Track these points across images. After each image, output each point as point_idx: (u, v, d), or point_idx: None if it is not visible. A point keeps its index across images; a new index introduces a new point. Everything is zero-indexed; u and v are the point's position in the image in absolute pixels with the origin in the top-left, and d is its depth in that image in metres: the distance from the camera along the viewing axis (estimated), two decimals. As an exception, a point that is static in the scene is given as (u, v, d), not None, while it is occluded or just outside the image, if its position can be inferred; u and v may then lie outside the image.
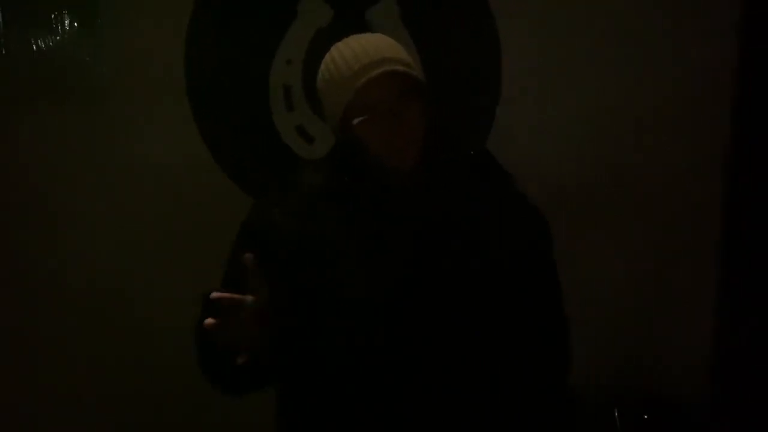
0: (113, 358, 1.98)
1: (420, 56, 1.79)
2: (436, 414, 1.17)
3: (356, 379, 1.17)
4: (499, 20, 2.00)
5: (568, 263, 1.31)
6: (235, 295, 1.03)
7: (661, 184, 2.08)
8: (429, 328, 1.17)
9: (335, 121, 1.22)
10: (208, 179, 1.97)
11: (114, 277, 1.97)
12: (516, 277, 1.21)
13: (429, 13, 1.97)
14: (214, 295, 1.01)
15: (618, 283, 2.08)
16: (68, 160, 1.94)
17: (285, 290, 1.14)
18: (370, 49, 1.19)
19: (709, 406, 2.08)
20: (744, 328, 2.03)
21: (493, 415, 1.20)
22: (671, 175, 2.08)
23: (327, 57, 1.24)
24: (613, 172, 2.05)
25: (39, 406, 1.98)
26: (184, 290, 1.92)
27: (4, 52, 1.89)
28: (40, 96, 1.90)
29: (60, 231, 1.95)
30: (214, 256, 1.33)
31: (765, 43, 2.01)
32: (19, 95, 1.91)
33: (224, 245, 1.29)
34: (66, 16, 1.90)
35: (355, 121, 1.16)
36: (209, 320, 1.00)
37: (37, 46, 1.90)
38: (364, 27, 1.92)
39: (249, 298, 1.04)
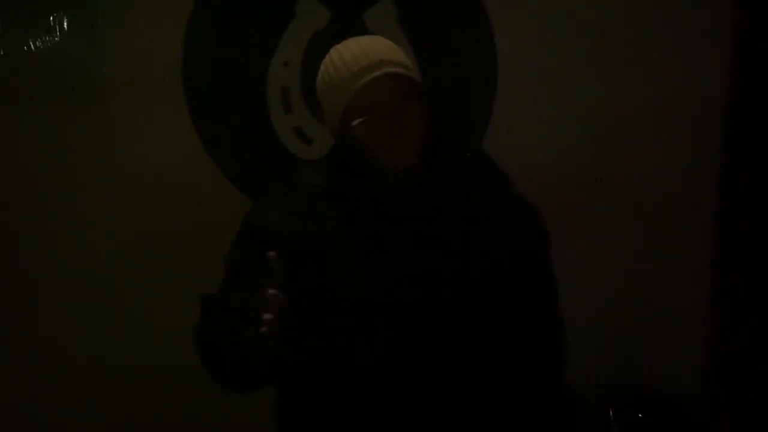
0: (113, 358, 1.99)
1: (416, 57, 1.80)
2: (435, 413, 1.18)
3: (356, 379, 1.18)
4: (494, 22, 2.01)
5: (563, 263, 1.32)
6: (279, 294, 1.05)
7: (656, 184, 2.09)
8: (428, 328, 1.18)
9: (335, 122, 1.23)
10: (206, 180, 1.98)
11: (113, 276, 1.97)
12: (513, 276, 1.22)
13: (425, 15, 1.98)
14: (271, 292, 1.03)
15: (613, 283, 2.09)
16: (67, 160, 1.95)
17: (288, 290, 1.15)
18: (369, 51, 1.20)
19: (704, 405, 2.09)
20: (738, 328, 2.04)
21: (491, 415, 1.21)
22: (666, 176, 2.09)
23: (326, 59, 1.25)
24: (607, 173, 2.06)
25: (39, 406, 1.99)
26: (182, 290, 1.94)
27: (2, 52, 1.89)
28: (39, 96, 1.91)
29: (59, 231, 1.95)
30: (212, 256, 1.34)
31: (759, 44, 2.02)
32: (19, 95, 1.91)
33: (222, 245, 1.30)
34: (65, 16, 1.90)
35: (355, 122, 1.18)
36: (269, 315, 1.02)
37: (36, 46, 1.90)
38: (361, 29, 1.93)
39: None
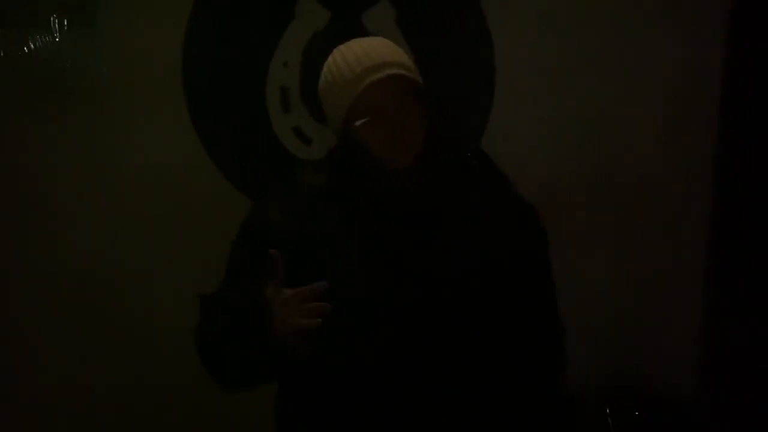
0: (112, 357, 1.99)
1: (414, 58, 1.80)
2: (435, 413, 1.19)
3: (356, 379, 1.19)
4: (491, 22, 2.01)
5: (559, 263, 1.33)
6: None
7: (655, 184, 2.10)
8: (428, 328, 1.18)
9: (337, 122, 1.24)
10: (205, 180, 1.98)
11: (113, 276, 1.97)
12: (513, 277, 1.22)
13: (423, 16, 1.99)
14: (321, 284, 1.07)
15: (611, 282, 2.10)
16: (66, 160, 1.94)
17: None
18: (372, 52, 1.21)
19: (701, 403, 2.10)
20: (732, 327, 2.05)
21: (490, 415, 1.22)
22: (664, 176, 2.10)
23: (329, 59, 1.25)
24: (606, 173, 2.07)
25: (39, 406, 1.99)
26: (182, 290, 1.95)
27: (2, 53, 1.90)
28: (38, 96, 1.90)
29: (59, 230, 1.95)
30: (212, 256, 1.34)
31: (754, 43, 2.04)
32: (18, 95, 1.91)
33: (222, 245, 1.30)
34: (65, 16, 1.90)
35: (358, 123, 1.18)
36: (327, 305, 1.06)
37: (36, 46, 1.90)
38: (360, 29, 1.94)
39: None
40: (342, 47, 1.25)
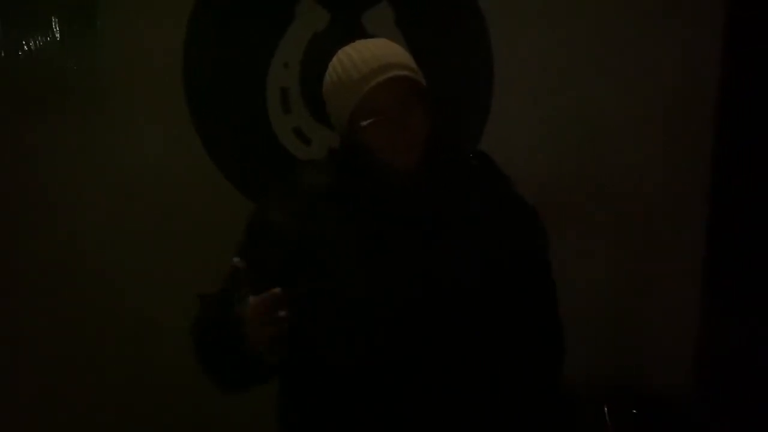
0: (113, 357, 1.99)
1: (414, 58, 1.81)
2: (437, 413, 1.20)
3: (358, 379, 1.19)
4: (490, 23, 2.02)
5: (557, 262, 1.34)
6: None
7: (650, 184, 2.12)
8: (429, 328, 1.19)
9: (341, 123, 1.25)
10: (205, 180, 1.98)
11: (112, 276, 1.97)
12: (515, 276, 1.24)
13: (422, 17, 2.00)
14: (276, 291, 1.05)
15: (609, 281, 2.11)
16: (66, 160, 1.94)
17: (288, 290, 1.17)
18: (377, 53, 1.22)
19: (698, 401, 2.11)
20: (729, 324, 2.06)
21: (491, 414, 1.23)
22: (660, 175, 2.11)
23: (334, 60, 1.26)
24: (602, 173, 2.08)
25: (39, 406, 1.99)
26: (182, 290, 1.95)
27: (3, 53, 1.90)
28: (39, 96, 1.91)
29: (59, 230, 1.95)
30: (212, 256, 1.35)
31: (750, 43, 2.05)
32: (19, 96, 1.91)
33: (222, 245, 1.31)
34: (65, 17, 1.90)
35: (363, 123, 1.19)
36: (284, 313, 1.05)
37: (37, 46, 1.90)
38: (360, 30, 1.95)
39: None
40: (347, 48, 1.26)
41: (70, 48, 1.91)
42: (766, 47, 2.02)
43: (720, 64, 2.06)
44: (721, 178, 2.12)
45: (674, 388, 2.11)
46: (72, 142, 1.94)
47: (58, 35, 1.91)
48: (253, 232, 1.28)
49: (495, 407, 1.23)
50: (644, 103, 2.07)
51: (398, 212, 1.22)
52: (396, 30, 1.98)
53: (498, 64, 2.04)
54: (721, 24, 2.06)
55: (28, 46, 1.90)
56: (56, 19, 1.90)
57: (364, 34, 1.91)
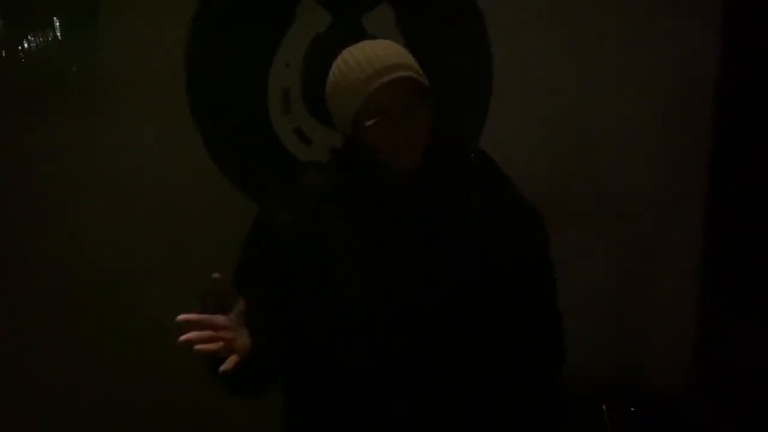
0: (113, 358, 1.99)
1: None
2: (438, 412, 1.20)
3: (359, 379, 1.20)
4: (489, 24, 2.03)
5: (559, 262, 1.35)
6: (203, 316, 1.06)
7: (650, 184, 2.13)
8: (432, 328, 1.20)
9: (345, 123, 1.25)
10: (205, 180, 1.98)
11: (112, 276, 1.97)
12: (516, 276, 1.24)
13: (422, 19, 2.01)
14: (181, 317, 1.04)
15: (603, 280, 2.12)
16: (67, 160, 1.94)
17: (280, 293, 1.17)
18: (382, 54, 1.23)
19: (696, 399, 2.12)
20: (727, 324, 2.07)
21: (491, 413, 1.24)
22: (657, 174, 2.12)
23: (338, 61, 1.27)
24: (601, 173, 2.09)
25: (39, 406, 1.99)
26: (182, 290, 1.96)
27: (3, 53, 1.90)
28: (40, 96, 1.91)
29: (59, 230, 1.95)
30: (212, 257, 1.35)
31: (748, 43, 2.06)
32: (19, 96, 1.91)
33: (222, 245, 1.31)
34: (66, 17, 1.90)
35: (368, 123, 1.20)
36: (181, 338, 1.03)
37: (37, 46, 1.90)
38: (360, 32, 1.96)
39: (219, 317, 1.07)
40: (351, 49, 1.26)
41: (71, 48, 1.91)
42: (764, 47, 2.03)
43: (718, 64, 2.08)
44: (719, 177, 2.13)
45: (673, 388, 2.12)
46: (72, 142, 1.94)
47: (58, 35, 1.91)
48: (257, 232, 1.28)
49: (495, 407, 1.24)
50: (644, 103, 2.09)
51: (400, 212, 1.23)
52: (396, 31, 1.99)
53: (498, 64, 2.05)
54: (720, 24, 2.07)
55: (29, 46, 1.90)
56: (57, 19, 1.90)
57: (364, 35, 1.92)
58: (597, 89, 2.07)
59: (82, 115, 1.93)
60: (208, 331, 1.05)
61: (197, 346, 1.03)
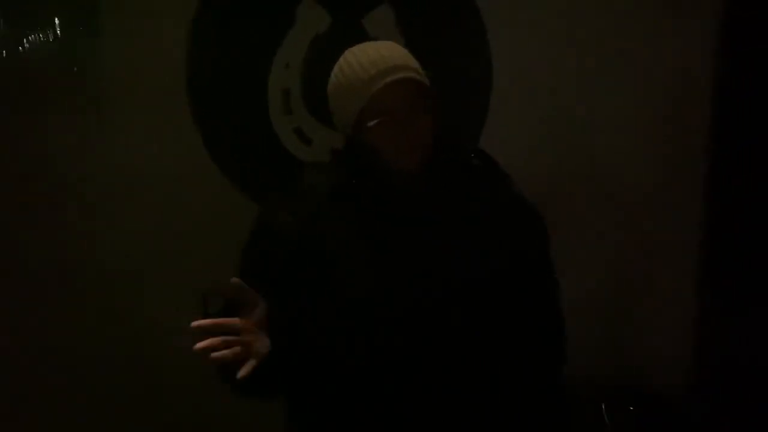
0: (112, 358, 1.98)
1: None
2: (439, 413, 1.21)
3: (360, 379, 1.20)
4: (489, 25, 2.04)
5: (558, 261, 1.35)
6: (218, 321, 1.05)
7: (649, 184, 2.13)
8: (434, 328, 1.20)
9: (347, 123, 1.26)
10: (206, 180, 1.98)
11: (112, 276, 1.97)
12: (518, 276, 1.25)
13: (423, 20, 2.01)
14: (194, 325, 1.03)
15: (603, 279, 2.12)
16: (68, 161, 1.94)
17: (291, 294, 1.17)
18: (386, 55, 1.23)
19: (694, 397, 2.13)
20: (726, 324, 2.08)
21: (492, 413, 1.24)
22: (657, 174, 2.12)
23: (341, 61, 1.27)
24: (601, 173, 2.09)
25: (39, 406, 1.99)
26: (181, 290, 1.96)
27: (4, 53, 1.91)
28: (40, 97, 1.91)
29: (60, 231, 1.95)
30: (213, 257, 1.36)
31: (747, 44, 2.06)
32: (20, 96, 1.91)
33: (223, 246, 1.32)
34: (68, 18, 1.90)
35: (371, 123, 1.21)
36: (196, 345, 1.02)
37: (38, 47, 1.90)
38: (360, 32, 1.96)
39: (237, 320, 1.06)
40: (354, 49, 1.27)
41: (71, 48, 1.91)
42: (763, 47, 2.03)
43: (718, 65, 2.08)
44: (719, 178, 2.14)
45: (673, 388, 2.12)
46: (72, 142, 1.93)
47: (59, 35, 1.91)
48: (259, 233, 1.28)
49: (495, 407, 1.24)
50: (643, 103, 2.09)
51: (401, 213, 1.24)
52: (396, 31, 1.99)
53: (497, 64, 2.05)
54: (719, 24, 2.07)
55: (29, 46, 1.90)
56: (57, 19, 1.90)
57: (364, 36, 1.93)
58: (597, 89, 2.08)
59: (82, 115, 1.93)
60: (221, 338, 1.03)
61: (213, 354, 1.02)
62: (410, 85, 1.21)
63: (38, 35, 1.90)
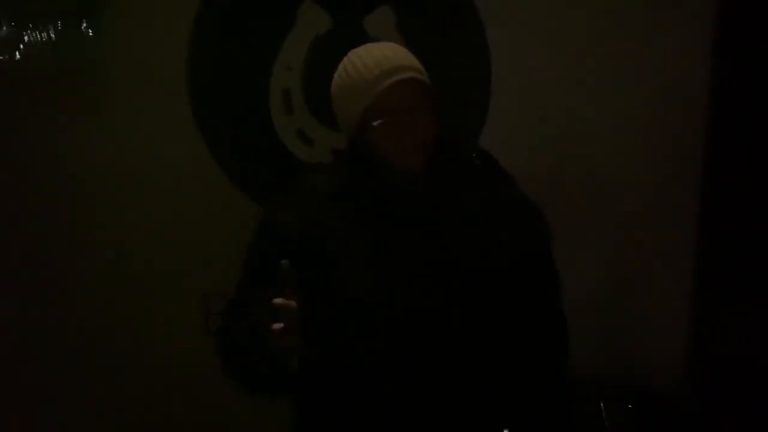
0: (112, 358, 1.99)
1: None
2: (440, 412, 1.21)
3: (362, 379, 1.21)
4: (488, 26, 2.04)
5: (558, 260, 1.35)
6: (290, 302, 1.05)
7: (647, 183, 2.13)
8: (436, 328, 1.20)
9: (351, 124, 1.26)
10: (207, 181, 1.98)
11: (113, 276, 1.98)
12: (520, 276, 1.25)
13: (423, 21, 2.02)
14: (278, 301, 1.04)
15: (603, 279, 2.12)
16: (69, 161, 1.95)
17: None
18: (390, 55, 1.24)
19: (693, 396, 2.13)
20: (723, 323, 2.09)
21: (493, 412, 1.25)
22: (657, 174, 2.13)
23: (345, 62, 1.28)
24: (600, 172, 2.10)
25: (39, 406, 1.99)
26: (181, 290, 1.97)
27: (6, 54, 1.91)
28: (41, 98, 1.91)
29: (60, 231, 1.96)
30: (214, 257, 1.36)
31: (742, 44, 2.07)
32: (21, 97, 1.92)
33: (224, 246, 1.32)
34: (66, 17, 1.90)
35: (375, 122, 1.21)
36: (278, 325, 1.03)
37: (39, 47, 1.90)
38: (361, 33, 1.96)
39: (293, 304, 1.07)
40: (358, 50, 1.28)
41: (71, 48, 1.91)
42: (759, 47, 2.04)
43: (716, 65, 2.09)
44: (717, 178, 2.14)
45: (672, 387, 2.13)
46: (72, 142, 1.93)
47: (59, 35, 1.91)
48: (260, 232, 1.29)
49: (497, 406, 1.25)
50: (643, 103, 2.09)
51: (403, 213, 1.24)
52: (397, 32, 2.00)
53: (497, 64, 2.06)
54: (716, 25, 2.08)
55: (29, 46, 1.90)
56: (57, 19, 1.90)
57: (365, 37, 1.93)
58: (596, 89, 2.08)
59: (82, 115, 1.93)
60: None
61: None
62: (414, 86, 1.22)
63: (38, 35, 1.90)
